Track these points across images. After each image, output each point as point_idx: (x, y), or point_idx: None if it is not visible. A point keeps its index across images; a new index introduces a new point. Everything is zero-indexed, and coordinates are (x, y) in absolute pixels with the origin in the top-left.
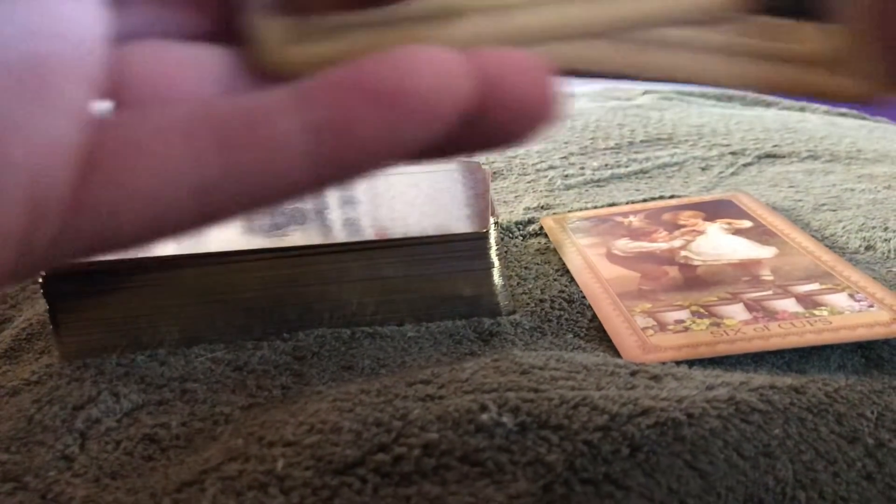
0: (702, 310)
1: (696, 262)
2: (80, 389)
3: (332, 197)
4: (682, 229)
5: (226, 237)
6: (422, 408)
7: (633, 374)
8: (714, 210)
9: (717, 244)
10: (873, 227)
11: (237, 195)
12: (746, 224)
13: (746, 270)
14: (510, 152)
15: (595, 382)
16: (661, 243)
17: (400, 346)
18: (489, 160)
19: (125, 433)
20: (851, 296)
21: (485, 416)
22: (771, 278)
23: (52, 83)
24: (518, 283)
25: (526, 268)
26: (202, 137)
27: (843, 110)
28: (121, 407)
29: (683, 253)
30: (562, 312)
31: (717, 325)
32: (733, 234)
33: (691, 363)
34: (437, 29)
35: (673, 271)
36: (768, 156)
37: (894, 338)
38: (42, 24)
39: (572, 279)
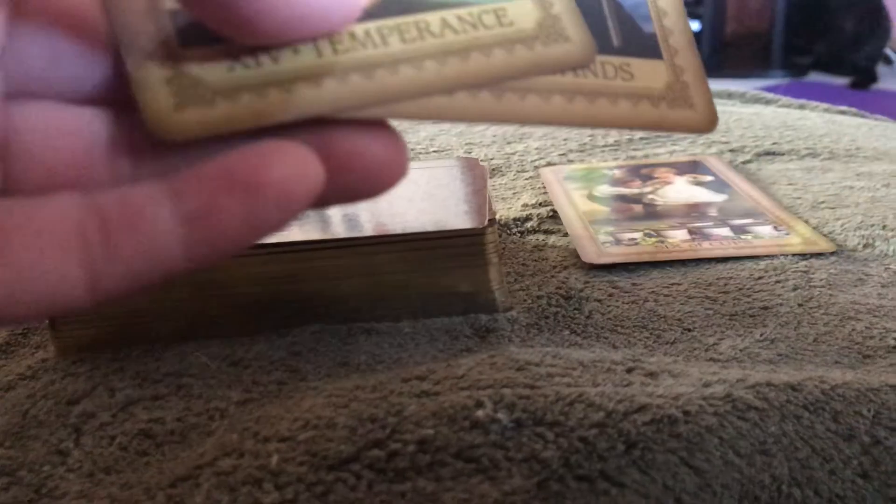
0: (653, 232)
1: (658, 203)
2: (75, 384)
3: None
4: (655, 180)
5: None
6: (417, 404)
7: (629, 370)
8: (685, 168)
9: (680, 190)
10: (872, 226)
11: (122, 279)
12: (709, 178)
13: (697, 209)
14: (508, 149)
15: (591, 379)
16: (635, 189)
17: (396, 342)
18: (487, 157)
19: (120, 428)
20: (776, 227)
21: (480, 413)
22: (716, 215)
23: None
24: (515, 280)
25: (523, 264)
26: (89, 229)
27: (843, 108)
28: (115, 402)
29: (650, 196)
30: (559, 309)
31: (662, 242)
32: (696, 185)
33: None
34: (308, 89)
35: (638, 208)
36: (767, 153)
37: (790, 254)
38: None
39: (569, 276)
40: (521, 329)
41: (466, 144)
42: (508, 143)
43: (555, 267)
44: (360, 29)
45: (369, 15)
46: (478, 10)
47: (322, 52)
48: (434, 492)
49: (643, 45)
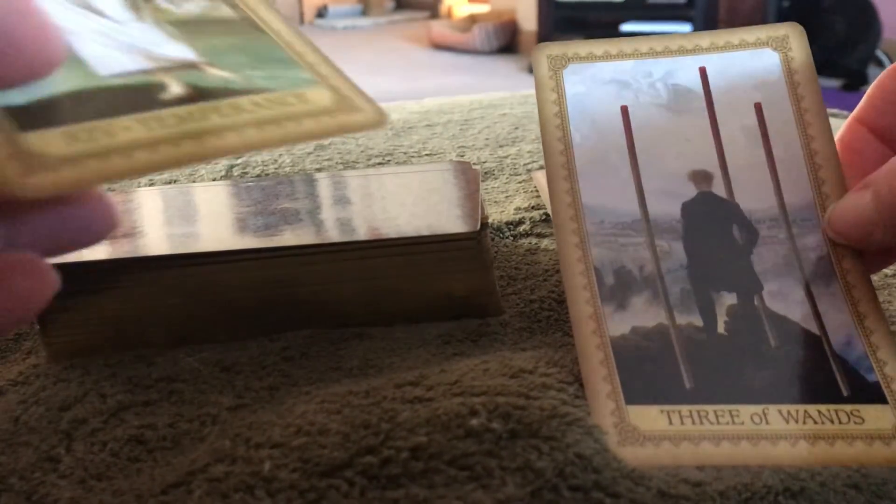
0: None
1: None
2: (67, 390)
3: (324, 197)
4: None
5: (216, 237)
6: (410, 410)
7: None
8: None
9: None
10: None
11: None
12: None
13: None
14: (501, 152)
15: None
16: None
17: (388, 347)
18: (480, 160)
19: (111, 434)
20: None
21: (474, 422)
22: None
23: None
24: (508, 284)
25: (516, 268)
26: None
27: (834, 111)
28: (107, 407)
29: None
30: (551, 313)
31: None
32: None
33: None
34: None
35: None
36: None
37: None
38: None
39: (561, 280)
40: (514, 332)
41: (459, 148)
42: (501, 146)
43: (547, 270)
44: (182, 111)
45: (187, 100)
46: (281, 94)
47: (152, 129)
48: (427, 499)
49: None
